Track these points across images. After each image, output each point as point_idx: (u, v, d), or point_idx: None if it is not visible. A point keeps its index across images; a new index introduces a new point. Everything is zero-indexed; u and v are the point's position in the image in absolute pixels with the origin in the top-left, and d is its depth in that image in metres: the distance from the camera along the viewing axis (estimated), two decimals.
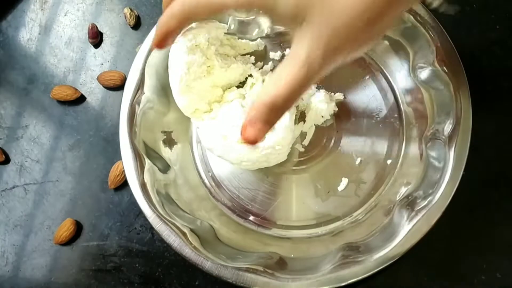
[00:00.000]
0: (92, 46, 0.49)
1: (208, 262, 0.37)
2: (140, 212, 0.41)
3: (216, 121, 0.39)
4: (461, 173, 0.38)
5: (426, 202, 0.37)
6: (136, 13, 0.49)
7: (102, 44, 0.49)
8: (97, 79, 0.48)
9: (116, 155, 0.46)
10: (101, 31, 0.49)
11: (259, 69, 0.45)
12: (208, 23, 0.38)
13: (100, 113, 0.48)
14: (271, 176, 0.43)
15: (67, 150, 0.47)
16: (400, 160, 0.43)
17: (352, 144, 0.43)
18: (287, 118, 0.38)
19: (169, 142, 0.44)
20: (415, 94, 0.43)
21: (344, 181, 0.42)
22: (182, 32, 0.36)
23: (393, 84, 0.44)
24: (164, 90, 0.42)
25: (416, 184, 0.41)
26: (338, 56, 0.27)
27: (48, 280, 0.44)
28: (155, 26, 0.41)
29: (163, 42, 0.32)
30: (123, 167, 0.40)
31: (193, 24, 0.37)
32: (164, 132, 0.44)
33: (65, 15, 0.50)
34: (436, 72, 0.40)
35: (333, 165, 0.43)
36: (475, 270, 0.41)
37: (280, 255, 0.40)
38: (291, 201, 0.43)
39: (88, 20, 0.50)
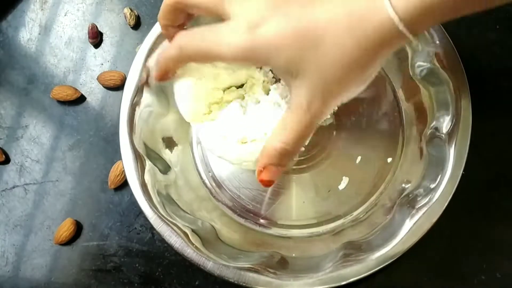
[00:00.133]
0: (92, 46, 0.49)
1: (210, 262, 0.37)
2: (140, 212, 0.41)
3: (215, 122, 0.39)
4: (462, 170, 0.38)
5: (427, 199, 0.37)
6: (136, 13, 0.49)
7: (102, 44, 0.49)
8: (97, 79, 0.48)
9: (116, 155, 0.46)
10: (101, 31, 0.49)
11: (259, 69, 0.45)
12: None
13: (100, 113, 0.47)
14: None
15: (67, 150, 0.47)
16: (401, 158, 0.43)
17: (352, 143, 0.43)
18: None
19: (170, 143, 0.44)
20: (414, 92, 0.43)
21: (345, 180, 0.42)
22: None
23: (392, 82, 0.44)
24: (164, 91, 0.42)
25: (416, 182, 0.41)
26: (337, 98, 0.29)
27: (48, 280, 0.44)
28: (155, 26, 0.41)
29: (165, 77, 0.33)
30: (123, 168, 0.40)
31: None
32: (164, 134, 0.44)
33: (65, 15, 0.50)
34: (435, 70, 0.40)
35: (333, 164, 0.43)
36: (475, 270, 0.41)
37: (281, 254, 0.40)
38: (291, 200, 0.43)
39: (88, 20, 0.50)
